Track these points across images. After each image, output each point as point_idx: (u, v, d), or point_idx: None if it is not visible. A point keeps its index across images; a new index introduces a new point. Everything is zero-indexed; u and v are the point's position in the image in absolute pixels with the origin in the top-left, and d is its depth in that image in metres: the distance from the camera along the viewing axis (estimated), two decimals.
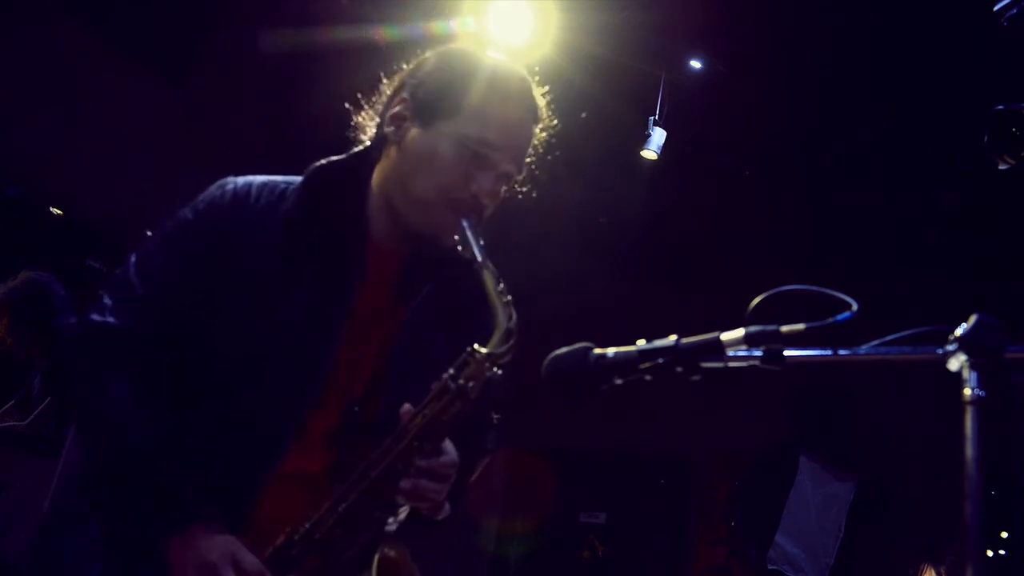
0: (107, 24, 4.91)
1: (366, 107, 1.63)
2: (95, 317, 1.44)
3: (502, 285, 1.42)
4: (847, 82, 4.34)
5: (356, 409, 1.47)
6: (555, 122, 1.63)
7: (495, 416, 1.67)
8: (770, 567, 4.92)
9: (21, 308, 3.51)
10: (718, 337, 1.14)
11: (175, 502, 1.35)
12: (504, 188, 1.55)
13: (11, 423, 3.51)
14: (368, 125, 1.61)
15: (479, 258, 1.43)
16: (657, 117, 4.57)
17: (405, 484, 1.36)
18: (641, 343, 1.19)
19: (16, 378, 3.71)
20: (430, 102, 1.49)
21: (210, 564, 1.31)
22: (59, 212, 4.99)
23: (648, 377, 1.18)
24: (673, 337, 1.17)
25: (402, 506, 1.39)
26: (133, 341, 1.43)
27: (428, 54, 1.58)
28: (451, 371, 1.38)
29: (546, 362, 1.21)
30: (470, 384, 1.36)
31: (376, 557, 1.35)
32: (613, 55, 4.49)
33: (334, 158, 1.56)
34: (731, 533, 5.81)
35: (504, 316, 1.39)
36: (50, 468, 3.20)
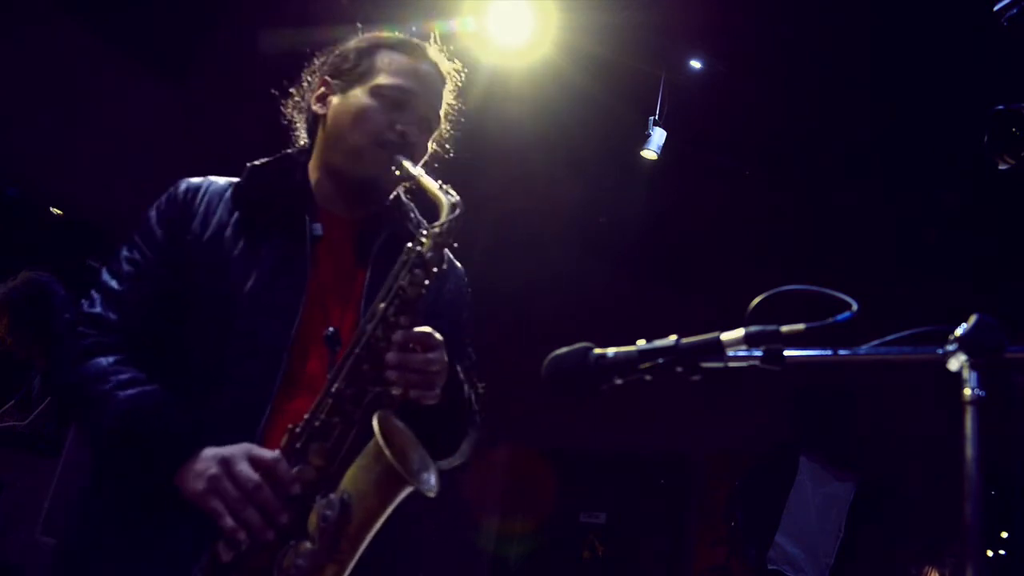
0: (107, 24, 4.91)
1: (291, 109, 1.81)
2: (84, 306, 1.55)
3: (440, 182, 1.54)
4: (847, 82, 4.33)
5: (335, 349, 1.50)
6: (462, 81, 1.78)
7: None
8: (770, 567, 4.92)
9: (21, 308, 3.51)
10: (718, 337, 1.14)
11: (176, 441, 1.38)
12: (428, 139, 1.69)
13: (11, 423, 3.51)
14: (299, 124, 1.78)
15: (416, 172, 1.56)
16: (657, 117, 4.57)
17: (391, 357, 1.40)
18: (641, 343, 1.19)
19: (16, 378, 3.70)
20: (346, 71, 1.68)
21: (225, 458, 1.34)
22: (59, 212, 4.99)
23: (648, 377, 1.18)
24: (673, 337, 1.17)
25: (393, 383, 1.40)
26: (115, 326, 1.51)
27: (333, 46, 1.77)
28: (409, 245, 1.47)
29: (546, 362, 1.21)
30: (429, 254, 1.45)
31: (375, 419, 1.34)
32: (613, 55, 4.49)
33: (265, 159, 1.70)
34: (731, 533, 5.80)
35: (445, 196, 1.50)
36: (50, 468, 3.20)
